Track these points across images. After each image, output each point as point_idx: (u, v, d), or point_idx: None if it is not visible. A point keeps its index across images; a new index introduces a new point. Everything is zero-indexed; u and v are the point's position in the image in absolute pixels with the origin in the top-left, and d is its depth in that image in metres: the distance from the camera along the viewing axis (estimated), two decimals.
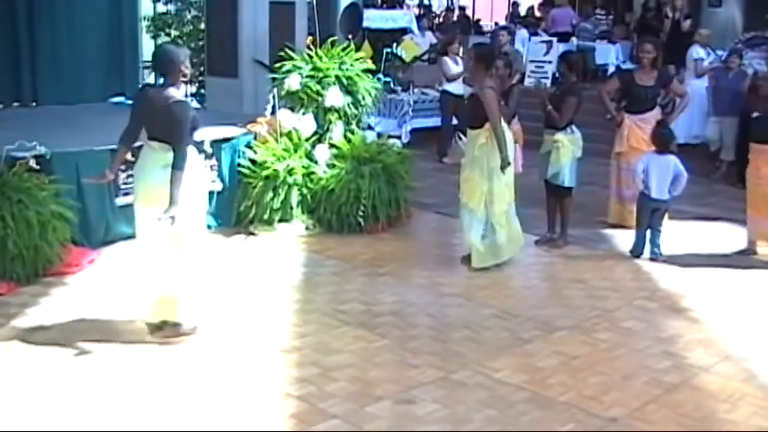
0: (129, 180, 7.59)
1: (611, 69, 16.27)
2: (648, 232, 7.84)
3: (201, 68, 11.79)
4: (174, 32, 12.99)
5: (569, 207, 8.27)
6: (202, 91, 12.01)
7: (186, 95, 12.60)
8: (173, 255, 5.49)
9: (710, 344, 5.99)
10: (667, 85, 9.02)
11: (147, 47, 12.83)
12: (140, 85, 5.88)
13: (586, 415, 4.84)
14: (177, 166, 5.27)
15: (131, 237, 7.59)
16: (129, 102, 10.58)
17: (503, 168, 7.21)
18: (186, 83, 5.77)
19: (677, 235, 8.42)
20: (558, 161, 7.98)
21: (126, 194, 7.62)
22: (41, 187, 6.82)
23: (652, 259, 7.80)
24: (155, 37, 12.98)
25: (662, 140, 7.89)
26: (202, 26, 12.02)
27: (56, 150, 7.25)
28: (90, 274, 6.99)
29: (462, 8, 22.59)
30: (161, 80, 5.53)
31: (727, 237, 8.79)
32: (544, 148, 8.12)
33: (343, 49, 9.10)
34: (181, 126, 5.34)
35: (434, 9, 22.80)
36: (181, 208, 5.28)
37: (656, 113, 8.71)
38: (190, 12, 12.96)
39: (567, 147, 7.97)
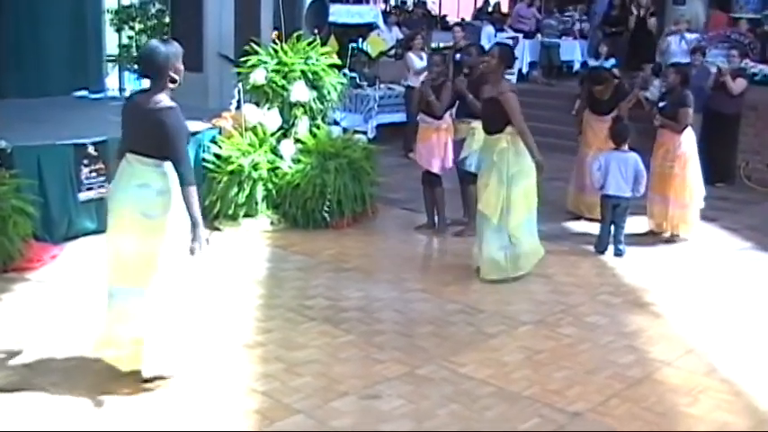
0: (92, 175, 7.58)
1: (577, 66, 16.40)
2: (612, 228, 7.90)
3: None
4: (138, 26, 12.86)
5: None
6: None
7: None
8: (148, 290, 4.77)
9: (673, 338, 6.05)
10: (621, 100, 9.08)
11: (111, 40, 12.74)
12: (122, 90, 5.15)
13: (550, 409, 4.87)
14: (186, 181, 4.67)
15: (94, 232, 7.61)
16: (93, 96, 10.64)
17: (539, 171, 7.01)
18: (175, 86, 4.87)
19: (640, 230, 8.49)
20: (470, 147, 8.15)
21: (89, 189, 7.59)
22: (2, 182, 6.74)
23: (616, 255, 7.85)
24: (119, 30, 12.86)
25: (619, 136, 7.95)
26: (167, 20, 11.92)
27: (17, 144, 7.15)
28: (52, 269, 6.91)
29: (423, 3, 22.56)
30: (147, 83, 4.87)
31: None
32: (460, 135, 8.36)
33: (309, 44, 9.07)
34: (177, 135, 4.70)
35: (407, 4, 22.78)
36: (165, 234, 4.72)
37: (610, 117, 8.85)
38: (154, 5, 12.84)
39: (481, 133, 8.01)
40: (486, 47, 15.34)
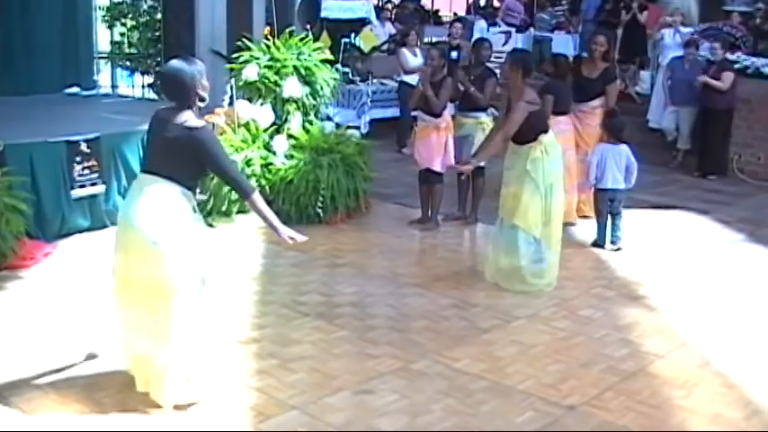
0: (85, 172, 7.56)
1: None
2: (609, 221, 7.90)
3: (158, 59, 11.69)
4: (129, 22, 12.84)
5: (483, 186, 8.58)
6: (159, 82, 11.88)
7: (142, 86, 12.56)
8: (154, 312, 4.51)
9: (667, 331, 6.06)
10: (608, 84, 8.90)
11: (103, 37, 12.70)
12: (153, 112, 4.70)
13: (545, 403, 4.87)
14: (246, 193, 4.57)
15: (87, 229, 7.61)
16: (85, 93, 10.61)
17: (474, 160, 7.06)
18: (203, 108, 4.69)
19: (635, 223, 8.50)
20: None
21: (82, 186, 7.57)
22: None
23: (613, 243, 7.86)
24: (110, 27, 12.83)
25: (614, 130, 7.96)
26: (159, 16, 11.90)
27: (9, 142, 7.13)
28: (46, 267, 6.89)
29: None
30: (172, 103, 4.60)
31: (683, 225, 8.91)
32: (464, 131, 8.36)
33: (302, 40, 9.06)
34: (219, 152, 4.52)
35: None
36: (176, 262, 4.45)
37: (596, 103, 8.77)
38: (146, 1, 12.81)
39: (490, 127, 8.07)
40: None
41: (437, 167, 8.27)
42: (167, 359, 4.53)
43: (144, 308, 4.52)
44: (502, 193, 6.89)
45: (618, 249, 7.82)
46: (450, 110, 8.53)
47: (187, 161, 4.48)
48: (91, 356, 5.20)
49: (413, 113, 11.69)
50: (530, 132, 6.69)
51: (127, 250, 4.54)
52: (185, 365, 4.59)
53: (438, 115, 8.18)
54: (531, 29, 16.71)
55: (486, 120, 8.39)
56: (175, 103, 4.52)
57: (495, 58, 15.28)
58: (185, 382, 4.62)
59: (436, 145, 8.22)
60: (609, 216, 7.88)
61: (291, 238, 4.65)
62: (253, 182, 8.21)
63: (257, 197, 4.58)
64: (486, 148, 7.12)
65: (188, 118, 4.46)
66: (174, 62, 4.54)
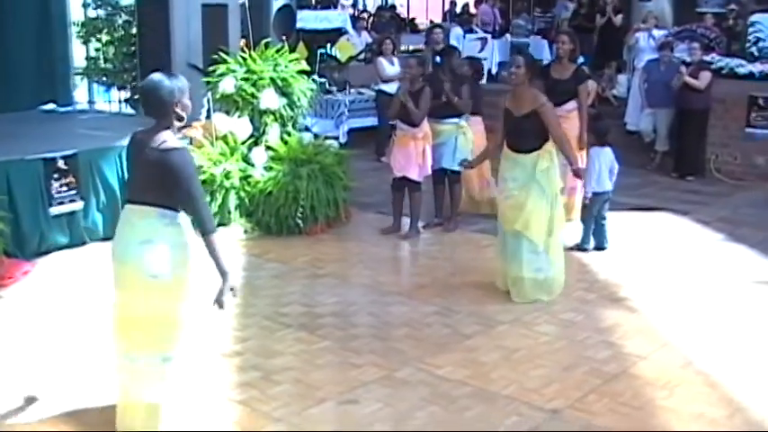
0: (63, 189, 7.52)
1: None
2: (594, 224, 7.93)
3: (134, 74, 11.65)
4: (105, 37, 12.80)
5: (461, 191, 8.77)
6: (136, 96, 11.85)
7: (119, 101, 12.51)
8: (168, 354, 4.32)
9: (648, 332, 6.08)
10: (580, 83, 8.76)
11: (79, 52, 12.65)
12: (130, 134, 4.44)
13: (529, 407, 4.88)
14: (206, 229, 4.20)
15: (67, 246, 7.56)
16: (62, 109, 10.56)
17: (577, 175, 7.00)
18: (182, 126, 4.52)
19: (615, 226, 8.53)
20: (467, 146, 8.35)
21: (60, 203, 7.52)
22: None
23: (601, 249, 7.92)
24: (86, 42, 12.79)
25: (602, 133, 8.00)
26: (134, 30, 11.87)
27: None
28: (25, 286, 6.84)
29: (392, 7, 22.60)
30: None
31: (663, 226, 8.95)
32: (443, 137, 8.41)
33: (278, 51, 9.07)
34: (188, 179, 4.15)
35: (369, 8, 22.78)
36: (178, 293, 4.26)
37: (570, 106, 8.63)
38: (120, 16, 12.78)
39: (470, 131, 8.45)
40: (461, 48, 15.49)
41: (414, 176, 8.28)
42: (163, 396, 4.35)
43: (153, 346, 4.28)
44: (502, 206, 6.74)
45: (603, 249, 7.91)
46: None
47: (170, 184, 4.18)
48: (30, 400, 4.90)
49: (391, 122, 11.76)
50: (536, 139, 6.55)
51: (124, 287, 4.29)
52: (180, 401, 4.43)
53: (417, 125, 8.18)
54: (508, 35, 16.79)
55: (464, 124, 8.46)
56: (154, 119, 4.28)
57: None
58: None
59: (414, 153, 8.22)
60: (594, 220, 7.91)
61: (232, 289, 4.30)
62: (232, 195, 8.22)
63: (215, 240, 4.21)
64: (571, 159, 6.83)
65: (166, 139, 4.21)
66: (155, 76, 4.27)
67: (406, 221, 8.54)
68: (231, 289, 4.25)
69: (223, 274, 4.20)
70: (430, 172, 8.36)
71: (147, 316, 4.24)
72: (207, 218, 4.24)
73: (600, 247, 7.95)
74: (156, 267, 4.18)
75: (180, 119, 4.29)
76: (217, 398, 4.91)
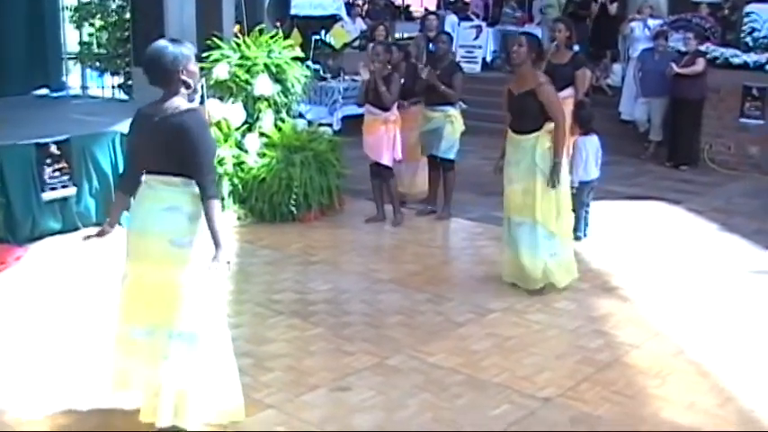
0: (55, 174, 7.49)
1: None
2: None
3: (128, 59, 11.60)
4: (98, 22, 12.72)
5: (454, 179, 8.63)
6: (129, 82, 11.81)
7: (112, 87, 12.46)
8: (180, 330, 4.14)
9: (641, 321, 6.09)
10: (578, 69, 8.82)
11: (72, 37, 12.59)
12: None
13: (521, 396, 4.89)
14: (209, 193, 4.01)
15: (59, 232, 7.52)
16: (55, 95, 10.52)
17: (554, 176, 6.36)
18: (191, 92, 4.22)
19: (608, 215, 8.54)
20: (454, 134, 8.36)
21: (52, 189, 7.49)
22: None
23: (585, 235, 7.90)
24: (78, 27, 12.72)
25: (585, 121, 7.96)
26: (127, 15, 11.81)
27: None
28: (17, 271, 6.82)
29: None
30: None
31: (657, 216, 8.96)
32: (431, 125, 8.39)
33: (272, 37, 9.02)
34: (199, 140, 4.03)
35: None
36: (193, 265, 4.09)
37: (567, 93, 8.60)
38: (114, 1, 12.70)
39: (459, 120, 8.41)
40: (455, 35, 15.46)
41: (385, 161, 8.26)
42: (184, 380, 4.15)
43: (165, 320, 4.13)
44: (507, 191, 6.59)
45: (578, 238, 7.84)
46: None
47: (187, 147, 4.03)
48: (24, 390, 4.82)
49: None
50: (536, 120, 6.41)
51: (145, 256, 4.12)
52: (208, 382, 4.22)
53: (388, 109, 8.17)
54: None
55: (454, 113, 8.42)
56: (160, 88, 4.13)
57: (467, 52, 15.46)
58: (210, 400, 4.26)
59: (385, 138, 8.21)
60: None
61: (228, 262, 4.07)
62: (225, 181, 8.19)
63: (216, 205, 4.03)
64: (557, 148, 6.44)
65: (178, 104, 4.08)
66: (158, 42, 4.13)
67: (389, 209, 8.53)
68: (227, 262, 4.04)
69: (216, 242, 4.01)
70: (400, 156, 8.38)
71: (161, 285, 4.10)
72: (210, 182, 4.07)
73: (583, 235, 7.93)
74: (178, 235, 4.08)
75: (187, 86, 4.13)
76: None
